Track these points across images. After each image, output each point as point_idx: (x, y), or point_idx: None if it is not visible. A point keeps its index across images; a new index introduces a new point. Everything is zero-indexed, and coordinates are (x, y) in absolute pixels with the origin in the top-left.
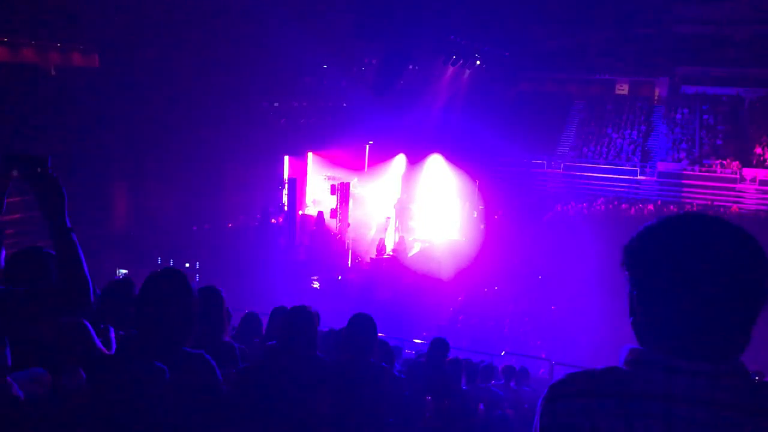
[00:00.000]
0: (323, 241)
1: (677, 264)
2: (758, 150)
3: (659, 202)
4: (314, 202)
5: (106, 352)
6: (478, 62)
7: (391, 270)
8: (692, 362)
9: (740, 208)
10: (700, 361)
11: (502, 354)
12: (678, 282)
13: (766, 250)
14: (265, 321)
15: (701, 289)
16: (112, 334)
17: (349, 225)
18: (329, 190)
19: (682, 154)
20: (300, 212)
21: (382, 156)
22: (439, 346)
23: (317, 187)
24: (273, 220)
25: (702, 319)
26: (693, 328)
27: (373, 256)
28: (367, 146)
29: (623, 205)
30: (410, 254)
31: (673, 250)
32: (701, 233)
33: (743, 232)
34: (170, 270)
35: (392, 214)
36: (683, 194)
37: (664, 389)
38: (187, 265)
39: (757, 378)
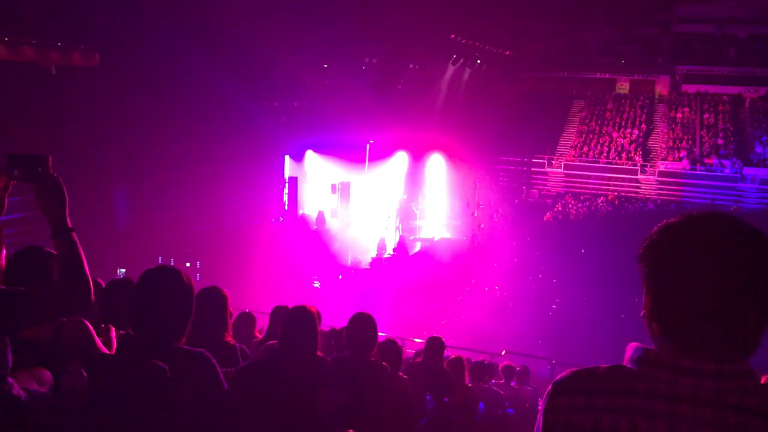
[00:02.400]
0: (323, 241)
1: (694, 262)
2: (759, 149)
3: (660, 201)
4: (314, 201)
5: (107, 351)
6: (478, 61)
7: (391, 269)
8: (698, 362)
9: (740, 207)
10: (705, 362)
11: (503, 353)
12: (693, 280)
13: None
14: (265, 320)
15: (715, 288)
16: (113, 334)
17: (349, 224)
18: (329, 190)
19: (683, 153)
20: (300, 212)
21: (383, 156)
22: (435, 344)
23: (317, 186)
24: (274, 219)
25: (712, 319)
26: (703, 327)
27: (374, 256)
28: (368, 146)
29: (624, 204)
30: (411, 254)
31: (691, 249)
32: (717, 233)
33: (762, 234)
34: (163, 267)
35: (393, 213)
36: (684, 193)
37: (669, 388)
38: (188, 264)
39: (758, 377)
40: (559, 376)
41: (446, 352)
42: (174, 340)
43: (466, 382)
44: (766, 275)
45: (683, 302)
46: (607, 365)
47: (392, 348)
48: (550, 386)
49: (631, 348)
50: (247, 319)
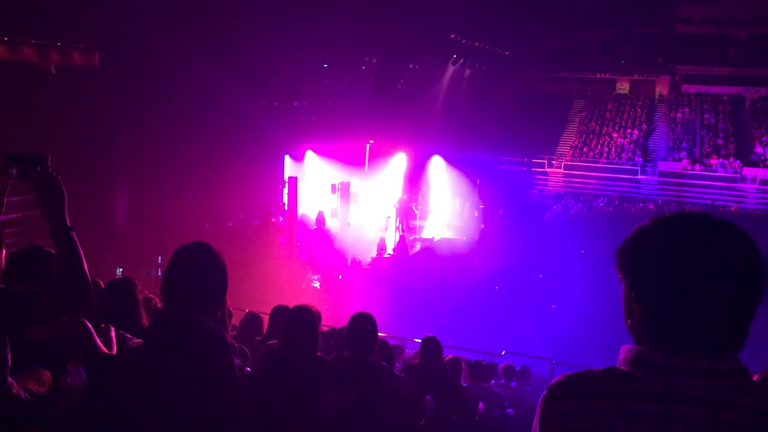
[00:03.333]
0: (323, 241)
1: (673, 264)
2: (759, 149)
3: (660, 202)
4: (314, 201)
5: (107, 351)
6: (478, 61)
7: (391, 270)
8: (691, 361)
9: (740, 208)
10: (698, 360)
11: (503, 353)
12: (674, 282)
13: (766, 249)
14: (265, 320)
15: (697, 288)
16: (113, 334)
17: (349, 224)
18: (329, 190)
19: (683, 154)
20: (300, 212)
21: (383, 156)
22: (430, 344)
23: (317, 186)
24: (273, 219)
25: (699, 318)
26: (690, 327)
27: (374, 256)
28: (368, 146)
29: (624, 205)
30: (411, 253)
31: (668, 251)
32: (695, 232)
33: (735, 228)
34: (200, 242)
35: (393, 213)
36: (684, 194)
37: (663, 389)
38: None
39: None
40: (553, 381)
41: (445, 352)
42: (204, 315)
43: (462, 382)
44: (743, 268)
45: (669, 306)
46: (601, 368)
47: (382, 347)
48: (545, 391)
49: (624, 350)
50: (254, 320)
